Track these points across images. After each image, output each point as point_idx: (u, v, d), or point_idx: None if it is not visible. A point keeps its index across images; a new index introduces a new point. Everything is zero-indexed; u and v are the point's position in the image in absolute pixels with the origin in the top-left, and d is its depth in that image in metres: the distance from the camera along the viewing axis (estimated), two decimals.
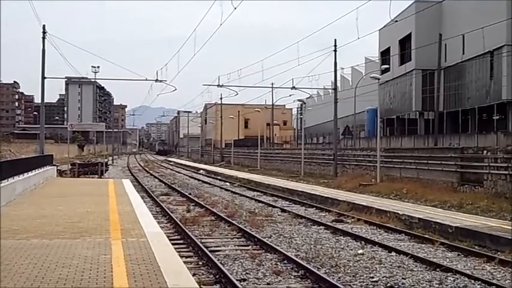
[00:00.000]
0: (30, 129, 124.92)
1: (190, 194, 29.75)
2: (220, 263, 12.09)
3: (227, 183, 38.95)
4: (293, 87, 48.47)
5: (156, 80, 40.35)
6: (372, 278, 11.22)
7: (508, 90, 36.28)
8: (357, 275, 11.41)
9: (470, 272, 11.58)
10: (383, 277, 11.25)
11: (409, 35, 46.80)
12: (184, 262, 10.11)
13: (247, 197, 28.84)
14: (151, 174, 51.23)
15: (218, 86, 49.48)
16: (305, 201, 25.88)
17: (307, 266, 11.75)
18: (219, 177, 46.03)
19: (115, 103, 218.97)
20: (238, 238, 15.93)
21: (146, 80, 40.71)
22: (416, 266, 12.23)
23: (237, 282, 10.36)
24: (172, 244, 11.65)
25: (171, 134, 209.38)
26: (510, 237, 13.84)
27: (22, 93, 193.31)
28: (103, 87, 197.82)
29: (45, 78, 35.25)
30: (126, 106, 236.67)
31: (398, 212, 19.14)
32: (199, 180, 43.57)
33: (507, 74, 36.21)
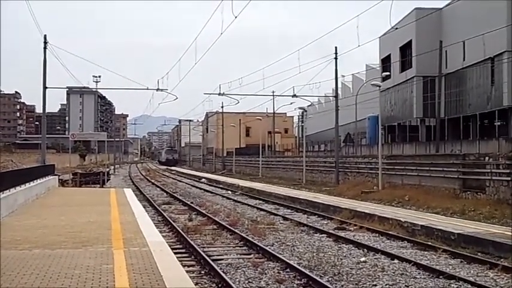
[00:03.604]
0: (31, 139, 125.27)
1: (192, 202, 29.72)
2: (223, 271, 12.07)
3: (229, 192, 38.91)
4: (294, 95, 48.53)
5: (158, 89, 40.43)
6: (375, 285, 11.20)
7: (509, 97, 36.30)
8: (360, 283, 11.38)
9: (474, 279, 11.55)
10: (386, 285, 11.23)
11: (410, 42, 46.90)
12: (187, 271, 10.10)
13: (249, 205, 28.81)
14: (152, 184, 51.19)
15: (219, 94, 49.60)
16: (307, 209, 25.84)
17: (309, 274, 11.73)
18: (220, 186, 46.01)
19: (116, 112, 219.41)
20: (240, 247, 15.91)
21: (147, 89, 40.85)
22: (419, 274, 12.20)
23: None
24: (175, 253, 11.64)
25: (173, 142, 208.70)
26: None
27: (23, 103, 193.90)
28: (104, 97, 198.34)
29: (46, 88, 35.27)
30: (127, 115, 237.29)
31: (401, 219, 19.10)
32: (201, 188, 43.53)
33: (508, 80, 36.25)
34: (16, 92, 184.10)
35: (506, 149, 27.55)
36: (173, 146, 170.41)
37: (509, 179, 22.88)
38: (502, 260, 13.23)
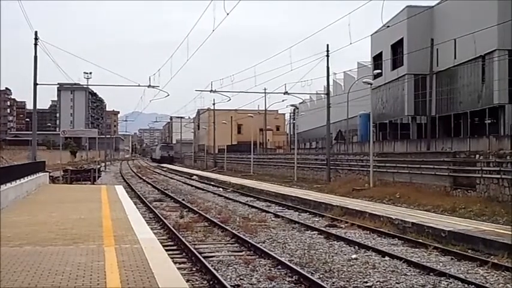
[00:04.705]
0: (22, 135, 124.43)
1: (183, 199, 29.70)
2: (214, 268, 12.07)
3: (220, 189, 38.90)
4: (286, 93, 48.57)
5: (149, 86, 40.32)
6: (366, 282, 11.23)
7: (499, 95, 36.50)
8: (351, 280, 11.42)
9: (464, 276, 11.61)
10: (377, 282, 11.26)
11: (401, 40, 46.99)
12: (178, 268, 10.10)
13: (240, 202, 28.81)
14: (144, 181, 51.10)
15: (211, 91, 49.56)
16: (298, 207, 25.87)
17: (301, 271, 11.75)
18: (212, 183, 45.97)
19: (107, 109, 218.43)
20: (231, 244, 15.91)
21: (139, 85, 40.66)
22: (409, 271, 12.25)
23: None
24: (166, 250, 11.63)
25: (164, 139, 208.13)
26: (503, 241, 13.89)
27: (14, 99, 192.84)
28: (95, 93, 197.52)
29: (37, 84, 35.11)
30: (118, 112, 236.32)
31: (392, 216, 19.18)
32: (192, 186, 43.50)
33: (498, 78, 36.43)
34: (6, 88, 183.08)
35: (496, 147, 27.65)
36: (169, 143, 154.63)
37: (499, 176, 23.00)
38: (492, 257, 13.31)
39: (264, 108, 73.58)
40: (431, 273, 11.80)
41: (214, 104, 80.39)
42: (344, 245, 15.53)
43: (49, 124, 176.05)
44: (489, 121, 39.27)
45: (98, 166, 54.26)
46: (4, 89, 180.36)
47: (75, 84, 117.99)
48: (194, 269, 12.47)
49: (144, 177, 56.01)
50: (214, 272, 11.60)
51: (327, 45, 41.27)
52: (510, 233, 14.85)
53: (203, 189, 38.75)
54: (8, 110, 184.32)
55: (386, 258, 13.57)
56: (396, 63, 49.07)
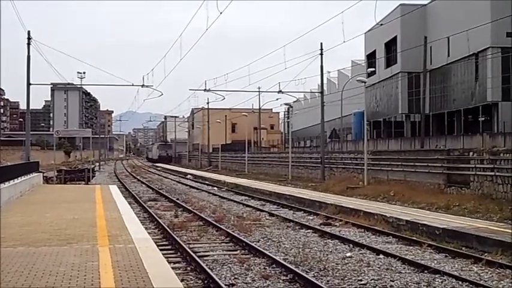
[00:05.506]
0: (15, 136, 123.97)
1: (178, 199, 29.66)
2: (209, 268, 12.05)
3: (215, 188, 38.88)
4: (280, 91, 48.54)
5: (143, 85, 40.25)
6: (361, 280, 11.24)
7: (492, 92, 36.60)
8: (346, 278, 11.43)
9: (458, 274, 11.64)
10: (371, 280, 11.28)
11: (395, 38, 47.05)
12: (173, 268, 10.09)
13: (235, 201, 28.79)
14: (138, 180, 51.00)
15: (205, 90, 49.45)
16: (293, 205, 25.88)
17: (295, 269, 11.75)
18: (206, 182, 45.94)
19: (101, 109, 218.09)
20: (226, 243, 15.89)
21: (133, 85, 40.56)
22: (404, 268, 12.27)
23: None
24: (160, 250, 11.62)
25: (159, 139, 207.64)
26: (497, 238, 13.93)
27: (7, 99, 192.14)
28: (89, 93, 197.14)
29: (30, 84, 34.99)
30: (112, 112, 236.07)
31: (386, 214, 19.20)
32: (186, 185, 43.44)
33: (492, 75, 36.53)
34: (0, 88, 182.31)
35: (490, 144, 27.73)
36: (167, 141, 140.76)
37: (492, 173, 23.08)
38: (486, 254, 13.35)
39: (258, 107, 73.56)
40: (426, 271, 11.82)
41: (208, 103, 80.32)
42: (338, 243, 15.55)
43: (43, 124, 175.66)
44: (483, 118, 39.38)
45: (92, 166, 54.14)
46: None
47: (68, 84, 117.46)
48: (189, 268, 12.44)
49: (138, 177, 55.89)
50: (209, 271, 11.58)
51: (321, 43, 41.31)
52: (504, 230, 14.91)
53: (198, 189, 38.71)
54: (1, 110, 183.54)
55: (381, 256, 13.59)
56: (390, 61, 49.14)
